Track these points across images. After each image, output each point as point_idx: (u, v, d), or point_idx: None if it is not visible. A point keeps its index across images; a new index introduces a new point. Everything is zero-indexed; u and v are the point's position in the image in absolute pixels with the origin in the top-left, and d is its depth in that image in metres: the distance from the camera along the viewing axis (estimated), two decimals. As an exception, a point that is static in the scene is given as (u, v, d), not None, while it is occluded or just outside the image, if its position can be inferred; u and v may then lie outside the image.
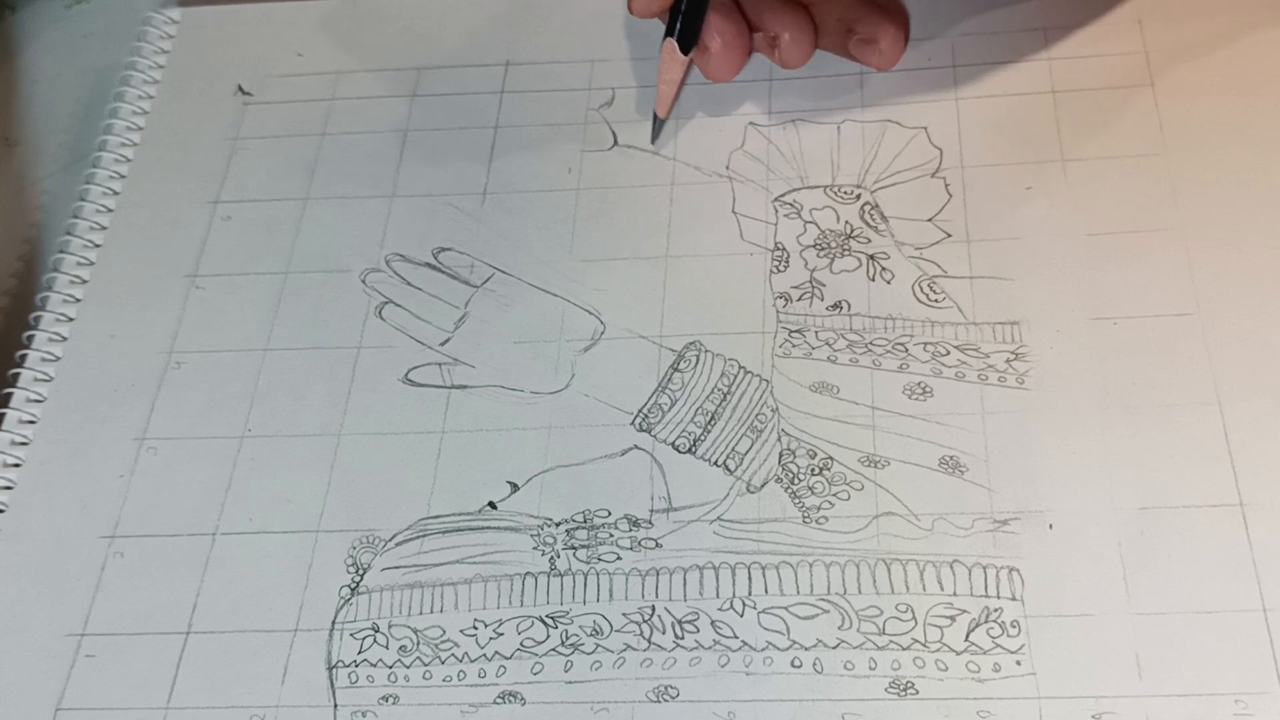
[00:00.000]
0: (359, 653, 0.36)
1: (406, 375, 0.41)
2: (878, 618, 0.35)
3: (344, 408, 0.41)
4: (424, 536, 0.38)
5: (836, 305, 0.41)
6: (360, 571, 0.38)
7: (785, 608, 0.36)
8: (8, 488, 0.40)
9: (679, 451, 0.39)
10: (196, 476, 0.40)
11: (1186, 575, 0.34)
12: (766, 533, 0.37)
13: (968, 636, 0.34)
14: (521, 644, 0.36)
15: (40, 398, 0.42)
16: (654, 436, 0.39)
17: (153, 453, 0.41)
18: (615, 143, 0.46)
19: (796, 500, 0.37)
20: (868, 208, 0.42)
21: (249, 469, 0.40)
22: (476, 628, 0.36)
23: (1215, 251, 0.39)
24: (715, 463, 0.38)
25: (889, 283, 0.41)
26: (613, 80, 0.47)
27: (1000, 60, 0.44)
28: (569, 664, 0.35)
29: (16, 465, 0.41)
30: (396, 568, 0.38)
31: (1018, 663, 0.34)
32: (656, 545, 0.37)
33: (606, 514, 0.38)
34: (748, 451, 0.38)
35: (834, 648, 0.35)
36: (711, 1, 0.42)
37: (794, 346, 0.40)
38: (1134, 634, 0.34)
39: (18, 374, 0.42)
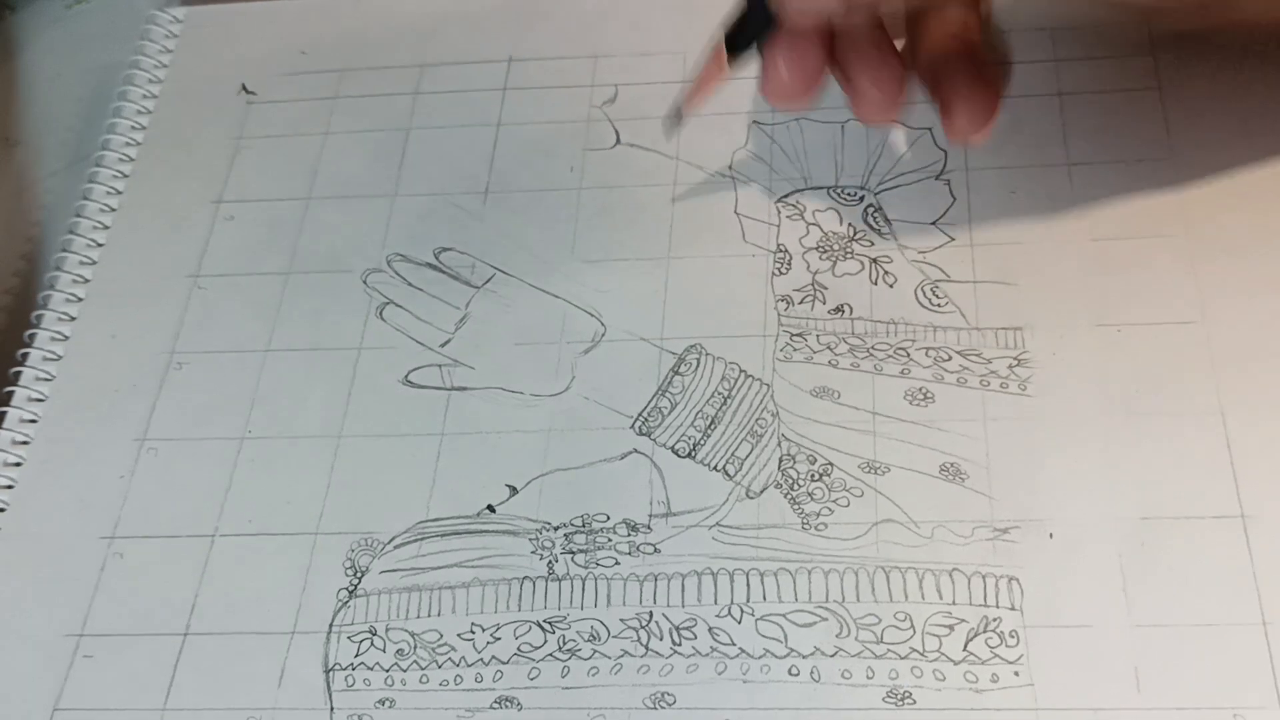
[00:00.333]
0: (356, 655, 0.36)
1: (407, 377, 0.41)
2: (876, 626, 0.35)
3: (344, 409, 0.41)
4: (422, 539, 0.38)
5: (838, 309, 0.40)
6: (358, 574, 0.38)
7: (783, 615, 0.35)
8: (8, 487, 0.41)
9: (678, 456, 0.38)
10: (196, 477, 0.40)
11: (1187, 587, 0.34)
12: (765, 539, 0.37)
13: (966, 646, 0.34)
14: (519, 649, 0.36)
15: (42, 397, 0.42)
16: (654, 440, 0.39)
17: (153, 453, 0.41)
18: (618, 141, 0.45)
19: (796, 506, 0.37)
20: (871, 210, 0.42)
21: (249, 470, 0.40)
22: (474, 632, 0.36)
23: (1220, 260, 0.39)
24: (715, 467, 0.38)
25: (891, 286, 0.41)
26: (616, 77, 0.47)
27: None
28: (566, 669, 0.35)
29: (17, 464, 0.41)
30: (394, 570, 0.38)
31: (1016, 673, 0.34)
32: (655, 550, 0.37)
33: (605, 518, 0.38)
34: (747, 456, 0.38)
35: (832, 656, 0.35)
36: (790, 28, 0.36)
37: (795, 350, 0.40)
38: (1133, 645, 0.34)
39: (19, 373, 0.43)
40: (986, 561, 0.35)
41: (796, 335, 0.40)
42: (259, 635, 0.37)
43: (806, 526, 0.37)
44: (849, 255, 0.42)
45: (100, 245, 0.45)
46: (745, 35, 0.37)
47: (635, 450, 0.39)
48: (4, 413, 0.42)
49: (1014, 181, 0.42)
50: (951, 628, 0.35)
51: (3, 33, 0.53)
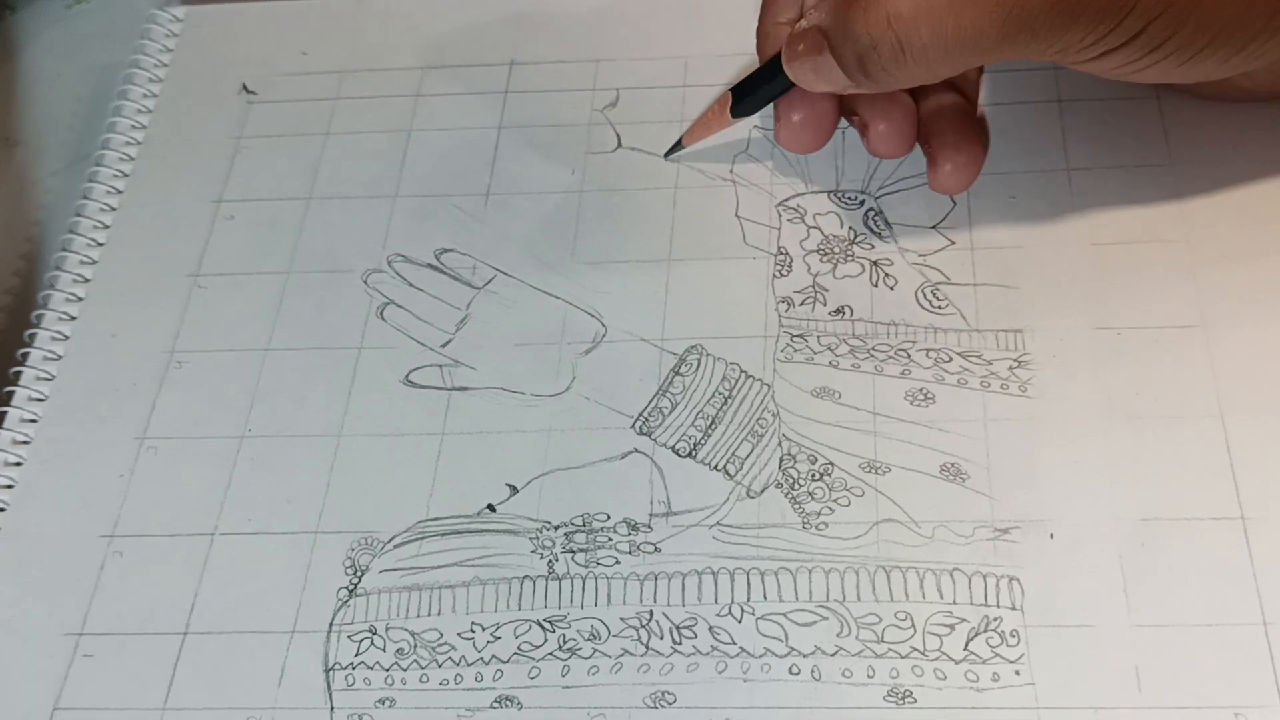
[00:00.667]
0: (356, 655, 0.36)
1: (407, 376, 0.41)
2: (876, 625, 0.35)
3: (344, 409, 0.41)
4: (423, 539, 0.38)
5: (839, 310, 0.41)
6: (358, 573, 0.38)
7: (784, 614, 0.35)
8: (8, 486, 0.40)
9: (679, 455, 0.39)
10: (196, 476, 0.40)
11: (1187, 587, 0.34)
12: (766, 538, 0.37)
13: (967, 645, 0.34)
14: (519, 648, 0.36)
15: (42, 396, 0.42)
16: (654, 440, 0.39)
17: (153, 452, 0.41)
18: (619, 144, 0.46)
19: (796, 506, 0.37)
20: (871, 213, 0.42)
21: (249, 469, 0.40)
22: (474, 631, 0.36)
23: (1220, 264, 0.39)
24: (715, 467, 0.38)
25: (892, 288, 0.41)
26: (617, 81, 0.47)
27: (1006, 68, 0.44)
28: (566, 668, 0.35)
29: (18, 464, 0.41)
30: (395, 570, 0.37)
31: (1016, 672, 0.34)
32: (655, 550, 0.37)
33: (605, 518, 0.38)
34: (748, 456, 0.38)
35: (832, 655, 0.35)
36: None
37: (795, 351, 0.40)
38: (1134, 645, 0.34)
39: (20, 372, 0.43)
40: (987, 561, 0.35)
41: (797, 336, 0.40)
42: (259, 634, 0.37)
43: (807, 526, 0.37)
44: (849, 258, 0.42)
45: (100, 245, 0.45)
46: (758, 95, 0.40)
47: (636, 450, 0.39)
48: (4, 413, 0.42)
49: (1014, 186, 0.42)
50: (952, 627, 0.35)
51: (3, 33, 0.53)
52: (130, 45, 0.50)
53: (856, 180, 0.43)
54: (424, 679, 0.36)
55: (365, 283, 0.43)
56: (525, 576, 0.37)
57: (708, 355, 0.40)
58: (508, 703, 0.35)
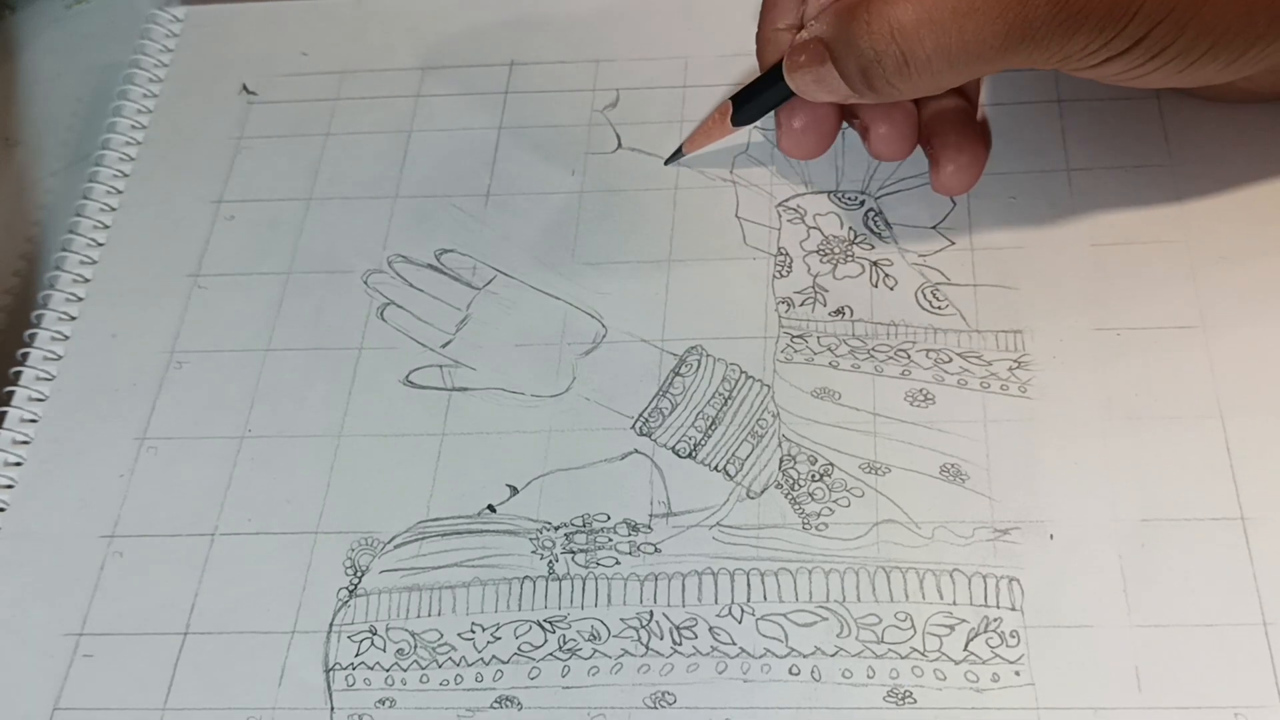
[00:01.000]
0: (356, 655, 0.36)
1: (407, 377, 0.41)
2: (876, 626, 0.35)
3: (344, 409, 0.41)
4: (423, 539, 0.38)
5: (839, 311, 0.41)
6: (358, 573, 0.38)
7: (784, 615, 0.35)
8: (8, 486, 0.40)
9: (679, 456, 0.39)
10: (196, 476, 0.40)
11: (1187, 588, 0.34)
12: (766, 539, 0.37)
13: (967, 646, 0.34)
14: (519, 648, 0.36)
15: (42, 396, 0.42)
16: (654, 441, 0.39)
17: (153, 452, 0.41)
18: (619, 145, 0.46)
19: (796, 506, 0.37)
20: (871, 214, 0.42)
21: (249, 469, 0.40)
22: (474, 631, 0.36)
23: (1219, 264, 0.39)
24: (715, 468, 0.38)
25: (892, 289, 0.41)
26: (617, 81, 0.47)
27: (1006, 69, 0.44)
28: (566, 669, 0.35)
29: (18, 464, 0.41)
30: (395, 570, 0.37)
31: (1016, 673, 0.34)
32: (655, 550, 0.37)
33: (606, 518, 0.38)
34: (748, 457, 0.38)
35: (832, 656, 0.35)
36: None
37: (796, 352, 0.40)
38: (1134, 646, 0.34)
39: (20, 372, 0.43)
40: (987, 562, 0.35)
41: (797, 337, 0.40)
42: (259, 635, 0.37)
43: (807, 527, 0.37)
44: (849, 258, 0.42)
45: (100, 245, 0.45)
46: (758, 103, 0.40)
47: (636, 450, 0.39)
48: (4, 413, 0.42)
49: (1014, 187, 0.42)
50: (952, 628, 0.35)
51: (3, 33, 0.53)
52: (130, 45, 0.50)
53: (856, 181, 0.43)
54: (424, 679, 0.36)
55: (365, 283, 0.43)
56: (525, 577, 0.37)
57: (708, 356, 0.40)
58: (508, 703, 0.35)
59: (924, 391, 0.39)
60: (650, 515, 0.38)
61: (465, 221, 0.44)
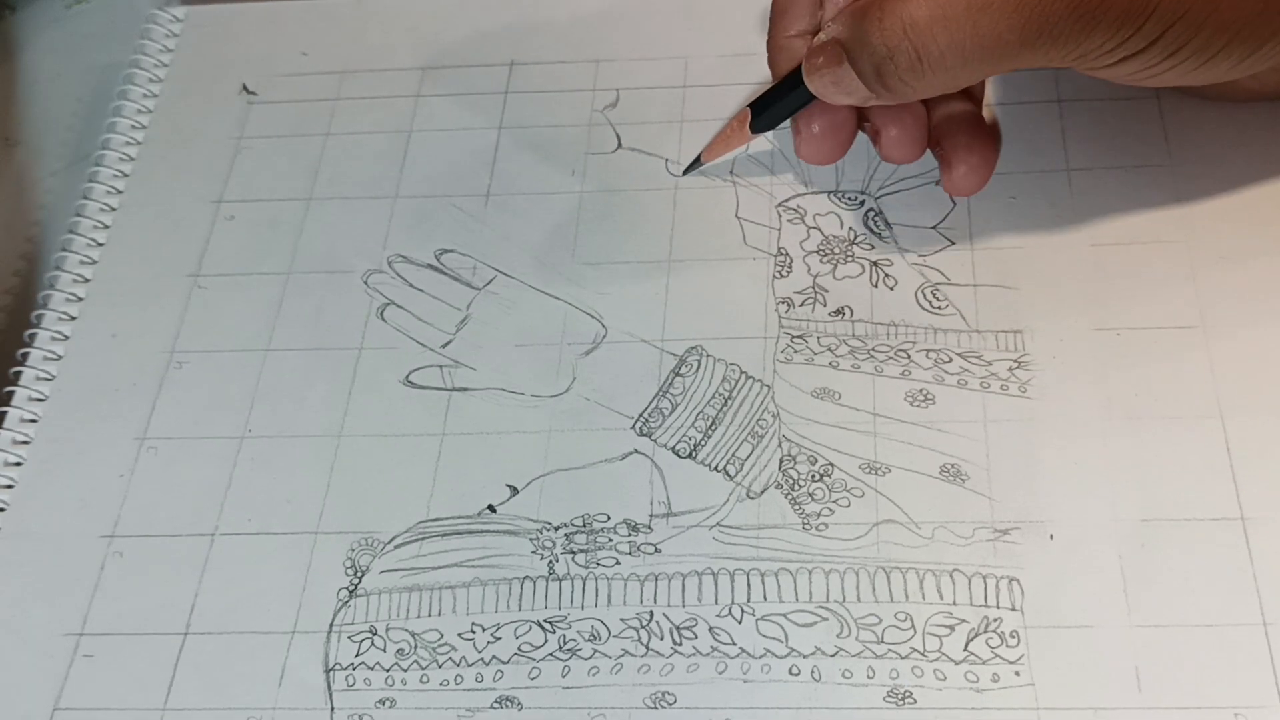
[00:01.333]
0: (356, 655, 0.36)
1: (407, 377, 0.41)
2: (876, 626, 0.35)
3: (345, 409, 0.41)
4: (423, 539, 0.38)
5: (839, 311, 0.41)
6: (359, 573, 0.38)
7: (784, 615, 0.35)
8: (8, 486, 0.40)
9: (679, 456, 0.39)
10: (196, 476, 0.40)
11: (1187, 588, 0.34)
12: (766, 539, 0.37)
13: (967, 646, 0.34)
14: (519, 648, 0.36)
15: (42, 396, 0.42)
16: (654, 441, 0.39)
17: (153, 452, 0.41)
18: (619, 145, 0.46)
19: (796, 507, 0.37)
20: (871, 214, 0.42)
21: (249, 469, 0.40)
22: (474, 631, 0.36)
23: (1219, 265, 0.39)
24: (715, 468, 0.38)
25: (892, 289, 0.41)
26: (618, 81, 0.47)
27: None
28: (566, 669, 0.35)
29: (18, 464, 0.41)
30: (395, 570, 0.38)
31: (1016, 673, 0.34)
32: (655, 550, 0.37)
33: (606, 518, 0.38)
34: (748, 457, 0.38)
35: (832, 656, 0.35)
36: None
37: (796, 352, 0.40)
38: (1134, 646, 0.34)
39: (20, 372, 0.43)
40: (987, 562, 0.35)
41: (797, 337, 0.40)
42: (259, 635, 0.37)
43: (807, 527, 0.37)
44: (849, 258, 0.42)
45: (100, 245, 0.45)
46: (777, 108, 0.39)
47: (636, 451, 0.39)
48: (4, 413, 0.42)
49: (1014, 187, 0.42)
50: (952, 628, 0.35)
51: (3, 33, 0.53)
52: (130, 45, 0.50)
53: (856, 181, 0.43)
54: (424, 679, 0.36)
55: (365, 283, 0.43)
56: (525, 577, 0.37)
57: (708, 356, 0.40)
58: (508, 703, 0.35)
59: (924, 391, 0.39)
60: (650, 515, 0.38)
61: (465, 221, 0.44)
